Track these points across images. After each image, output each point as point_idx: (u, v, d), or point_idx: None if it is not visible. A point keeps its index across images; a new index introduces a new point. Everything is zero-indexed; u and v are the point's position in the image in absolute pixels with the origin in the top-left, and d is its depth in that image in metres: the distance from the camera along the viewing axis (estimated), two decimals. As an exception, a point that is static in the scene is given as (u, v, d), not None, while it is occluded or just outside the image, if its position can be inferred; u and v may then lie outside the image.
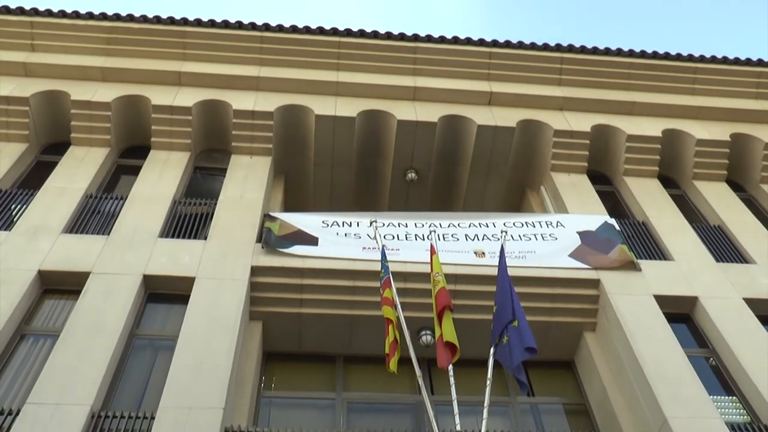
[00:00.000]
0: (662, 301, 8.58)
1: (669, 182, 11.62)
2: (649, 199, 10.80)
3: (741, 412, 7.74)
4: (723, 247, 9.99)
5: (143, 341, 7.86)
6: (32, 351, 7.53)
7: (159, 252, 8.50)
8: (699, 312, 8.72)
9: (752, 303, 8.71)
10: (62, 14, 11.25)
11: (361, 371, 8.71)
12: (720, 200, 10.97)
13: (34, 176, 10.25)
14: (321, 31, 11.57)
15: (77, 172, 9.95)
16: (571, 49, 11.94)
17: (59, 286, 8.14)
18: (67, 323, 7.43)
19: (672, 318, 8.52)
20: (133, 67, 11.08)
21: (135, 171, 10.32)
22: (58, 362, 6.91)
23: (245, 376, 7.73)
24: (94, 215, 9.29)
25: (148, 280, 8.20)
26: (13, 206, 9.29)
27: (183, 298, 7.97)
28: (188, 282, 8.13)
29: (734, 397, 7.90)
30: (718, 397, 7.90)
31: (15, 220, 8.92)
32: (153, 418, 6.55)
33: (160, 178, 10.00)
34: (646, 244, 9.86)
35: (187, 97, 10.85)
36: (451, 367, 7.03)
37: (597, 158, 11.54)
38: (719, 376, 8.19)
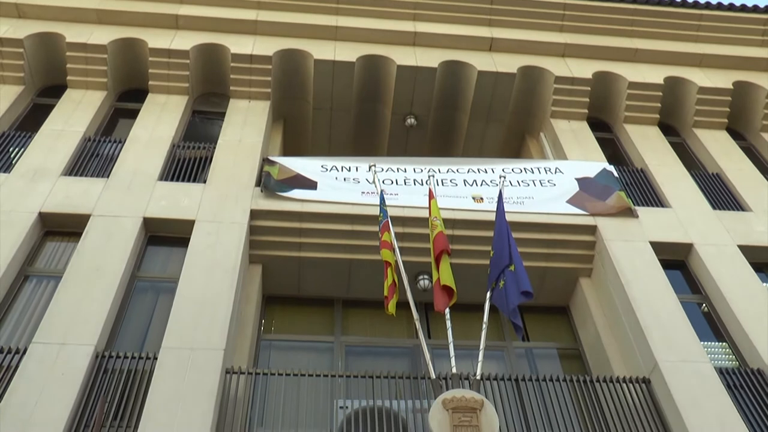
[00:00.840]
0: (658, 247, 8.66)
1: (669, 130, 11.57)
2: (649, 146, 10.77)
3: (730, 357, 7.90)
4: (720, 194, 10.02)
5: (144, 283, 7.96)
6: (36, 292, 7.63)
7: (158, 195, 8.52)
8: (694, 259, 8.81)
9: (746, 250, 8.78)
10: (54, -46, 10.98)
11: (359, 315, 8.85)
12: (719, 148, 10.94)
13: (30, 119, 10.17)
14: (320, -26, 11.35)
15: (75, 114, 9.87)
16: (574, -6, 11.73)
17: (60, 228, 8.19)
18: (69, 265, 7.50)
19: (667, 264, 8.61)
20: (129, 10, 10.85)
21: (133, 114, 10.25)
22: (61, 303, 7.01)
23: (245, 318, 7.86)
24: (93, 158, 9.26)
25: (148, 223, 8.25)
26: (11, 149, 9.26)
27: (183, 241, 8.03)
28: (188, 225, 8.17)
29: (724, 343, 8.05)
30: (709, 342, 8.05)
31: (13, 162, 8.91)
32: (155, 358, 6.68)
33: (159, 121, 9.94)
34: (643, 191, 9.89)
35: (185, 41, 10.68)
36: (447, 310, 7.15)
37: (597, 105, 11.47)
38: (711, 322, 8.33)
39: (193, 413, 6.15)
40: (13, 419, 5.89)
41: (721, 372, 7.33)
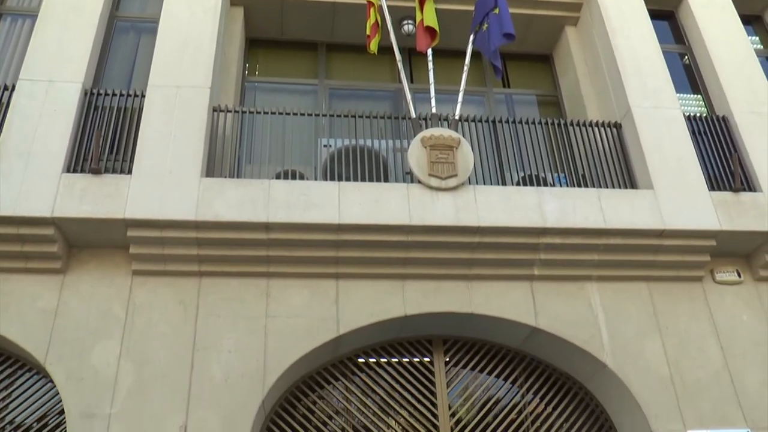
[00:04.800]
0: (648, -4, 8.49)
1: None
2: None
3: (702, 108, 8.15)
4: (722, -58, 9.55)
5: (125, 23, 7.82)
6: (12, 31, 7.52)
7: (128, -71, 8.05)
8: (683, 8, 8.68)
9: (739, 1, 8.62)
10: None
11: (343, 59, 8.85)
12: None
13: None
14: None
15: None
16: None
17: (27, -35, 7.86)
18: (43, 3, 7.25)
19: (656, 14, 8.52)
20: None
21: None
22: (42, 41, 6.91)
23: (229, 60, 7.86)
24: None
25: (121, -39, 7.91)
26: None
27: (159, -20, 7.75)
28: (163, -37, 7.82)
29: (699, 95, 8.26)
30: (685, 94, 8.25)
31: None
32: (143, 96, 6.80)
33: None
34: (643, -60, 9.40)
35: None
36: (430, 53, 7.21)
37: None
38: (690, 74, 8.47)
39: (185, 148, 6.40)
40: (16, 151, 6.14)
41: (690, 119, 7.61)
